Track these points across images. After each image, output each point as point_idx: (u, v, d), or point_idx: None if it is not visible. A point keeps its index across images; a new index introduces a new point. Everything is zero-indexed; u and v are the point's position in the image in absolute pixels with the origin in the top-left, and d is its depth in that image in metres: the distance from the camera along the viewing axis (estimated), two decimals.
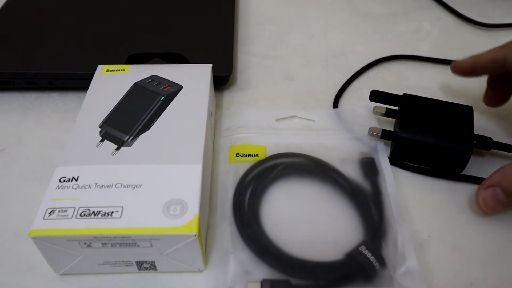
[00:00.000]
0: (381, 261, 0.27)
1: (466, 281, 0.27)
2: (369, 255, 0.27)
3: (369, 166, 0.32)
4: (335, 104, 0.39)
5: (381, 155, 0.33)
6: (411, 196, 0.32)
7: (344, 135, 0.35)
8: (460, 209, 0.31)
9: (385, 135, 0.34)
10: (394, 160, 0.34)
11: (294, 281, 0.26)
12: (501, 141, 0.34)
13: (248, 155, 0.33)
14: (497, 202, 0.29)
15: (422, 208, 0.31)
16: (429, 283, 0.27)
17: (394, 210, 0.30)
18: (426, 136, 0.32)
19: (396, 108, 0.36)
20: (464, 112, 0.34)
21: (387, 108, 0.35)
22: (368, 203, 0.30)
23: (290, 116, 0.37)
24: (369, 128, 0.34)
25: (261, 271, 0.27)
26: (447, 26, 0.49)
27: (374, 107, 0.36)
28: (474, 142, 0.33)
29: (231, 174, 0.32)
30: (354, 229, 0.29)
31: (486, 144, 0.33)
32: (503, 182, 0.29)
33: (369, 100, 0.36)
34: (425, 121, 0.33)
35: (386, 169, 0.32)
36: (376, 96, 0.35)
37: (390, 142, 0.36)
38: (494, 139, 0.34)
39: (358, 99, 0.40)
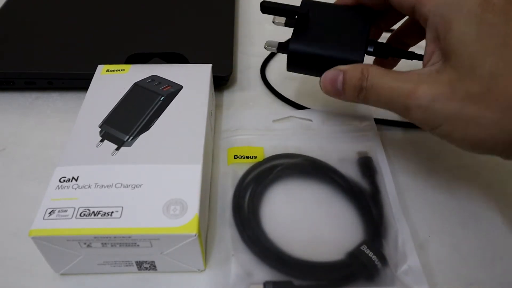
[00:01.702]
0: (383, 259, 0.27)
1: (466, 281, 0.27)
2: (370, 254, 0.27)
3: (367, 165, 0.32)
4: None
5: (378, 154, 0.33)
6: (411, 194, 0.32)
7: (341, 134, 0.35)
8: (460, 208, 0.31)
9: (281, 48, 0.33)
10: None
11: (296, 281, 0.26)
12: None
13: (246, 157, 0.33)
14: (332, 86, 0.29)
15: (422, 207, 0.31)
16: (429, 283, 0.27)
17: (394, 209, 0.30)
18: (316, 47, 0.31)
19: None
20: (363, 16, 0.32)
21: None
22: (367, 202, 0.30)
23: (287, 117, 0.37)
24: (266, 42, 0.33)
25: (263, 273, 0.27)
26: None
27: (274, 18, 0.33)
28: (371, 49, 0.31)
29: (229, 176, 0.32)
30: (354, 229, 0.29)
31: (384, 52, 0.31)
32: (348, 71, 0.28)
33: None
34: (318, 31, 0.31)
35: (384, 168, 0.32)
36: (267, 9, 0.32)
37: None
38: None
39: None
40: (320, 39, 0.31)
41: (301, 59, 0.31)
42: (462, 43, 0.24)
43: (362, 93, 0.28)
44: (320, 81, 0.30)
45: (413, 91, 0.25)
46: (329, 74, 0.29)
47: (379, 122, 0.37)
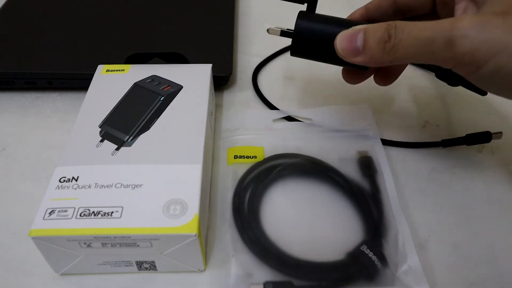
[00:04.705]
0: (383, 260, 0.27)
1: (466, 281, 0.27)
2: (370, 254, 0.27)
3: (367, 165, 0.32)
4: None
5: (379, 154, 0.33)
6: (411, 194, 0.32)
7: (341, 134, 0.35)
8: (460, 208, 0.31)
9: (285, 33, 0.31)
10: (296, 53, 0.31)
11: (296, 282, 0.26)
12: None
13: (246, 157, 0.33)
14: (350, 44, 0.26)
15: (422, 207, 0.31)
16: (429, 283, 0.27)
17: (394, 208, 0.30)
18: (325, 24, 0.29)
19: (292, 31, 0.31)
20: None
21: (282, 30, 0.31)
22: (367, 202, 0.30)
23: (287, 116, 0.37)
24: (268, 29, 0.32)
25: (263, 273, 0.27)
26: None
27: (268, 29, 0.32)
28: None
29: (229, 176, 0.32)
30: (354, 229, 0.29)
31: None
32: (370, 27, 0.26)
33: None
34: (325, 16, 0.30)
35: (385, 168, 0.32)
36: None
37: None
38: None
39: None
40: (329, 18, 0.30)
41: (308, 38, 0.30)
42: None
43: (389, 43, 0.25)
44: (335, 41, 0.27)
45: (456, 22, 0.23)
46: (346, 32, 0.27)
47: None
